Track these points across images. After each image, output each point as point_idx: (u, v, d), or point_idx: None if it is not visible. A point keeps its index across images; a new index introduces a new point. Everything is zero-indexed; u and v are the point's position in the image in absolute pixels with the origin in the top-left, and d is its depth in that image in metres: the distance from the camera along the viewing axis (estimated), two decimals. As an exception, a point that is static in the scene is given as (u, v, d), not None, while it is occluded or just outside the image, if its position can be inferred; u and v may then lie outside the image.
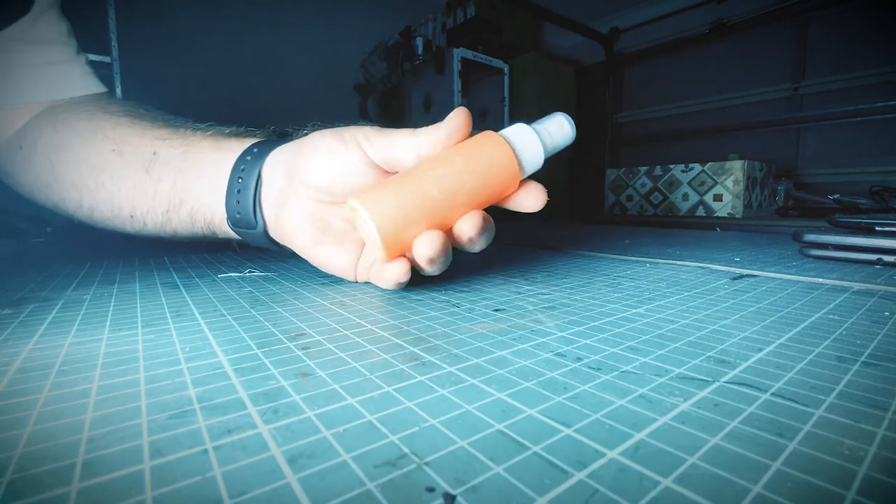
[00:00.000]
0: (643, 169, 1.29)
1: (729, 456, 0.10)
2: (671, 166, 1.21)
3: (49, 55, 0.37)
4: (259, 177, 0.29)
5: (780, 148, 1.33)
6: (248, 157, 0.29)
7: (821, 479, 0.09)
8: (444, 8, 1.62)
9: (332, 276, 0.32)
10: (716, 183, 1.12)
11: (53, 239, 0.64)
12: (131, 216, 0.32)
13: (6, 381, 0.15)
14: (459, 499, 0.09)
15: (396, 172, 0.27)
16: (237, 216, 0.30)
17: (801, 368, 0.15)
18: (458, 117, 0.26)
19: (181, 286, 0.29)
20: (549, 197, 0.28)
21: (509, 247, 0.52)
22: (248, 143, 0.31)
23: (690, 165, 1.17)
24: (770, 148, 1.34)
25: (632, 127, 1.73)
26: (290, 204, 0.29)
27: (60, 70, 0.38)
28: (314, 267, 0.31)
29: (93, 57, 1.36)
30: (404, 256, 0.27)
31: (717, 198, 1.12)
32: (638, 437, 0.11)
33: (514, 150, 0.26)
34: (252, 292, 0.28)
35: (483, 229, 0.26)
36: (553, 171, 1.54)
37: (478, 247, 0.27)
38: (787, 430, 0.11)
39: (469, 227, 0.26)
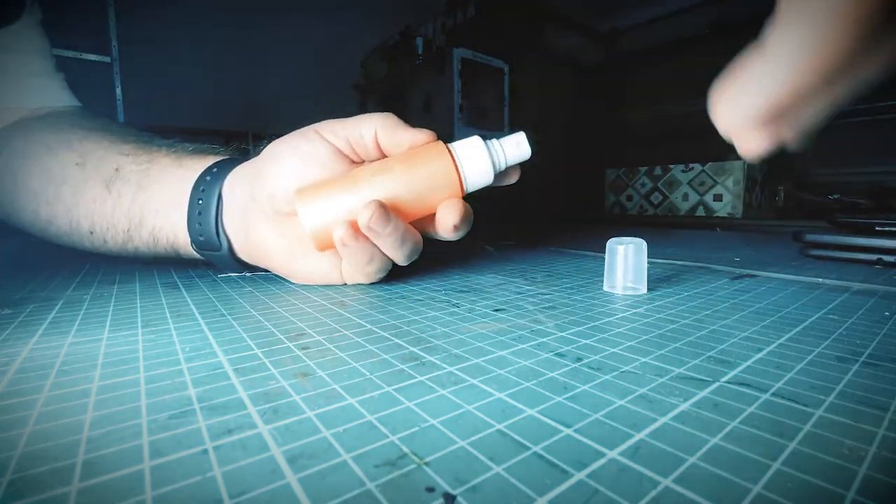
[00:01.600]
0: (643, 169, 1.29)
1: (729, 456, 0.10)
2: (671, 166, 1.21)
3: (29, 66, 0.37)
4: (220, 197, 0.29)
5: (781, 148, 1.33)
6: (208, 178, 0.29)
7: (821, 479, 0.09)
8: (444, 8, 1.62)
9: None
10: (716, 183, 1.12)
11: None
12: (91, 232, 0.31)
13: (6, 381, 0.15)
14: (459, 499, 0.09)
15: (363, 162, 0.28)
16: (200, 239, 0.29)
17: (801, 368, 0.15)
18: (424, 135, 0.26)
19: (181, 286, 0.29)
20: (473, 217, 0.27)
21: (509, 247, 0.52)
22: (209, 161, 0.30)
23: (690, 165, 1.17)
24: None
25: (632, 127, 1.73)
26: (256, 224, 0.28)
27: (40, 82, 0.38)
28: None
29: (93, 57, 1.36)
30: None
31: (717, 198, 1.12)
32: (638, 437, 0.11)
33: (457, 164, 0.26)
34: (252, 292, 0.28)
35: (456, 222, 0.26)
36: (553, 171, 1.54)
37: (449, 236, 0.27)
38: (787, 430, 0.11)
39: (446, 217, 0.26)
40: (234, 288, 0.29)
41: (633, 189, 1.32)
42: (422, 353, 0.17)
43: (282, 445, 0.11)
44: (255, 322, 0.21)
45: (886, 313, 0.22)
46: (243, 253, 0.30)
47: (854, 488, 0.09)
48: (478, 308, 0.24)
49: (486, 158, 0.26)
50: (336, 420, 0.12)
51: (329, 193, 0.26)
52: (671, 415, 0.12)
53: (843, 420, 0.12)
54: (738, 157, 1.10)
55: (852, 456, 0.10)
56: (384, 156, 0.28)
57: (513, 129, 0.32)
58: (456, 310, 0.23)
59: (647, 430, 0.11)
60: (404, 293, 0.27)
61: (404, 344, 0.18)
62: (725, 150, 1.21)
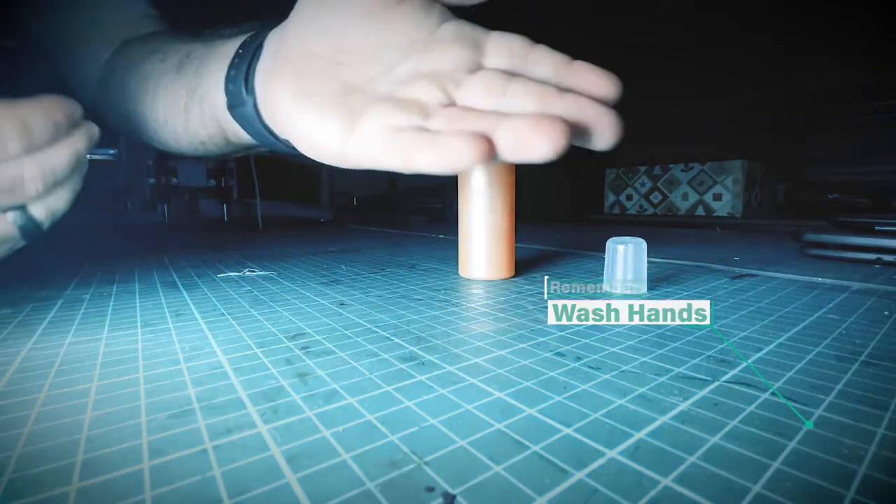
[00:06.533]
0: (643, 168, 1.29)
1: (729, 455, 0.10)
2: (671, 166, 1.21)
3: (125, 11, 0.40)
4: (260, 46, 0.25)
5: (781, 148, 1.33)
6: (254, 31, 0.28)
7: (821, 479, 0.09)
8: (444, 7, 1.61)
9: (331, 275, 0.32)
10: (715, 182, 1.12)
11: (53, 237, 0.64)
12: (165, 122, 0.32)
13: (6, 380, 0.15)
14: (459, 498, 0.09)
15: None
16: (230, 87, 0.26)
17: (801, 368, 0.15)
18: None
19: (180, 286, 0.29)
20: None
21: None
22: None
23: (690, 165, 1.17)
24: (770, 148, 1.34)
25: (632, 126, 1.73)
26: (280, 67, 0.23)
27: (135, 20, 0.41)
28: (314, 267, 0.31)
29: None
30: None
31: (717, 197, 1.12)
32: (638, 436, 0.11)
33: None
34: (252, 292, 0.28)
35: None
36: (553, 170, 1.54)
37: None
38: (787, 430, 0.11)
39: None
40: (233, 288, 0.29)
41: (633, 188, 1.32)
42: (421, 353, 0.17)
43: (281, 445, 0.11)
44: (255, 322, 0.21)
45: (885, 313, 0.22)
46: (263, 104, 0.24)
47: (854, 488, 0.09)
48: (477, 308, 0.24)
49: None
50: (336, 420, 0.12)
51: None
52: (671, 414, 0.12)
53: (843, 419, 0.12)
54: (737, 157, 1.10)
55: (852, 455, 0.10)
56: None
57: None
58: (456, 310, 0.23)
59: (647, 430, 0.11)
60: (404, 293, 0.27)
61: (404, 344, 0.18)
62: (725, 150, 1.21)
